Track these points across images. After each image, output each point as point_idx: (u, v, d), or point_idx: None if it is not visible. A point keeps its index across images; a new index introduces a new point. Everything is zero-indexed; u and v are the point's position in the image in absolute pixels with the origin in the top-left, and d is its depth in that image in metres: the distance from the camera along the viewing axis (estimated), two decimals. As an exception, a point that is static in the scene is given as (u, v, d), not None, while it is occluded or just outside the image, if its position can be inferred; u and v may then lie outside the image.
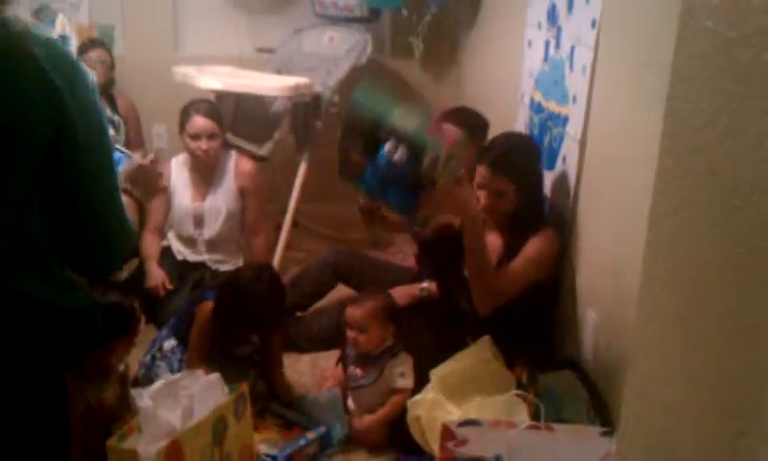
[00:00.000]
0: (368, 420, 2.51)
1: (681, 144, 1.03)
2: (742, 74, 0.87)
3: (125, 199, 1.80)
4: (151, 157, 1.99)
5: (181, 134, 3.35)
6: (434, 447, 2.18)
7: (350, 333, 2.57)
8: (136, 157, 1.98)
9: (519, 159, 2.47)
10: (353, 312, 2.58)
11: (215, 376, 1.93)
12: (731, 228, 0.88)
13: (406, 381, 2.53)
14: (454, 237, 2.60)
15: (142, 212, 1.86)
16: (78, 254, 1.47)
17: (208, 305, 2.60)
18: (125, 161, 1.95)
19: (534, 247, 2.42)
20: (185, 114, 3.33)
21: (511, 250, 2.47)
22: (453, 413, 2.24)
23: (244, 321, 2.58)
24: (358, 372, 2.59)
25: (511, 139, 2.60)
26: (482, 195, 2.44)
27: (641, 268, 1.12)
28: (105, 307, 2.15)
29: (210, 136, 3.30)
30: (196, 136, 3.29)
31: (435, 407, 2.31)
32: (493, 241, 2.53)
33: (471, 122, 3.00)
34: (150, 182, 1.94)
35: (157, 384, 1.83)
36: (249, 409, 2.03)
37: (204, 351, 2.61)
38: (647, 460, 1.10)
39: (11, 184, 1.29)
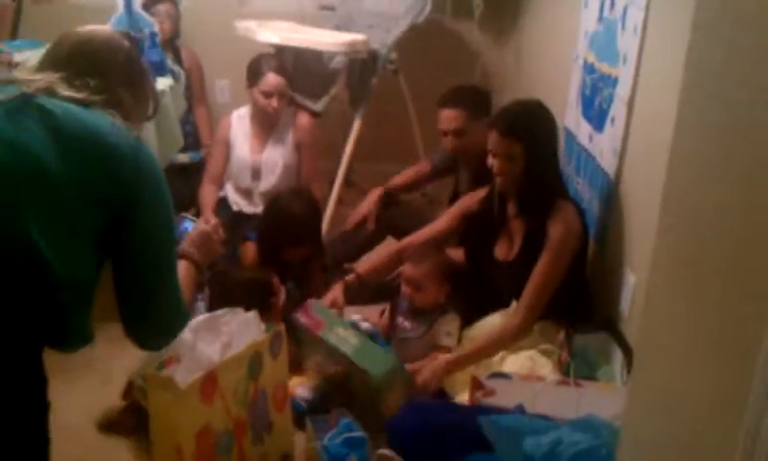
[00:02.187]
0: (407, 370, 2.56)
1: (699, 93, 1.04)
2: (753, 22, 0.88)
3: (185, 263, 1.95)
4: (213, 222, 2.09)
5: (250, 89, 3.36)
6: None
7: (406, 289, 2.60)
8: (200, 224, 2.07)
9: (527, 121, 2.46)
10: (413, 270, 2.60)
11: (253, 314, 2.00)
12: (743, 173, 0.89)
13: (451, 340, 2.55)
14: (482, 219, 2.63)
15: (201, 275, 1.98)
16: (131, 318, 1.54)
17: (252, 247, 2.69)
18: (191, 227, 2.05)
19: (555, 239, 2.39)
20: (257, 70, 3.34)
21: (531, 237, 2.46)
22: (471, 371, 2.27)
23: (285, 238, 2.74)
24: (407, 324, 2.62)
25: (520, 105, 2.60)
26: (495, 162, 2.46)
27: (658, 216, 1.13)
28: (242, 283, 2.28)
29: (281, 94, 3.33)
30: (269, 94, 3.31)
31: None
32: (516, 227, 2.56)
33: (471, 101, 3.04)
34: (211, 248, 2.03)
35: (199, 319, 1.90)
36: (285, 349, 2.09)
37: None
38: (657, 404, 1.12)
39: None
